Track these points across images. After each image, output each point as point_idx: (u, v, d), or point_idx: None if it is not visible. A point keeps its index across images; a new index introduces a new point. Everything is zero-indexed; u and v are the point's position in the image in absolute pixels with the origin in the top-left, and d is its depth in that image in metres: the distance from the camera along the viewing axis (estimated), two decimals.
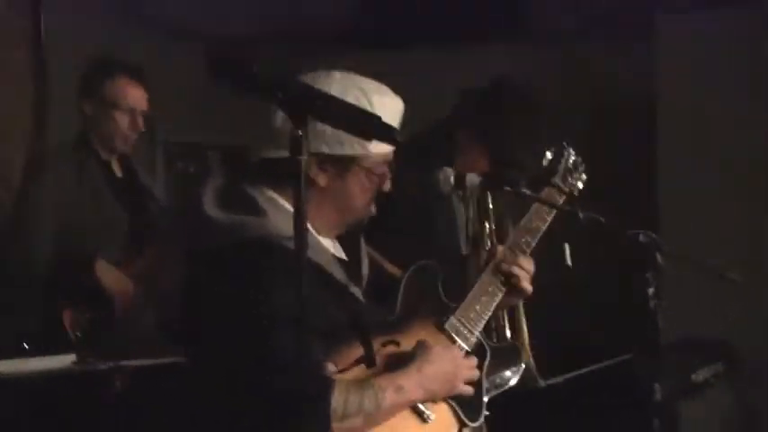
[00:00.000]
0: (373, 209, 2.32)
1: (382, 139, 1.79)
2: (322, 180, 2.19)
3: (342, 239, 2.39)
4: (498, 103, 3.27)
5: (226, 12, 5.37)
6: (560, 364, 3.55)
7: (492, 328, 2.84)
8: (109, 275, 3.60)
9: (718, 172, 5.06)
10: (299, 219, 1.68)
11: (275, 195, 2.21)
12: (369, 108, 2.13)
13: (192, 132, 5.82)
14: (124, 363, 3.22)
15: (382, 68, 2.38)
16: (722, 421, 4.26)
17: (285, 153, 2.11)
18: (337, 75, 2.21)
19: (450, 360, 2.32)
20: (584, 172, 2.95)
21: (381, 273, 2.56)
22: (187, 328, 2.27)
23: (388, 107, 2.21)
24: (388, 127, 1.80)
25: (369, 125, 1.78)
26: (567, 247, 2.63)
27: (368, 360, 2.17)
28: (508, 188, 2.60)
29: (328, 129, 2.11)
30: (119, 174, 3.86)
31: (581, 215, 2.51)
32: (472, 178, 2.61)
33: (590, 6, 5.40)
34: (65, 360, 3.12)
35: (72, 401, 3.35)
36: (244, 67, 1.66)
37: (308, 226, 2.18)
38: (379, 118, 1.80)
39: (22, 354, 3.23)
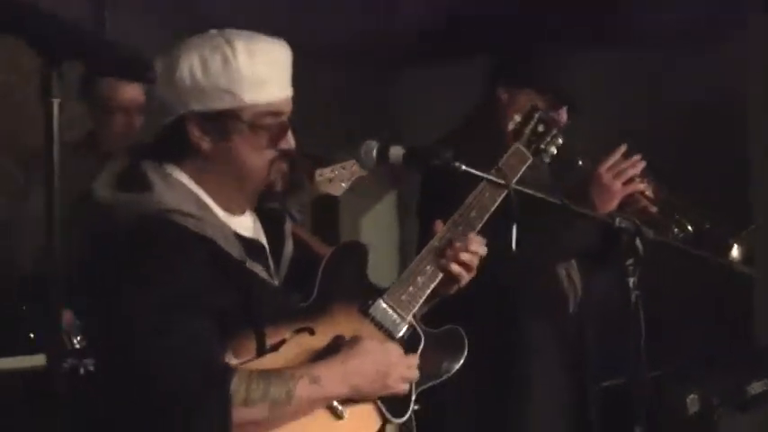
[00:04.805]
0: (282, 169, 2.11)
1: (124, 75, 1.60)
2: (205, 144, 2.04)
3: (264, 218, 2.23)
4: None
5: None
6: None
7: None
8: None
9: None
10: (50, 168, 1.53)
11: (172, 169, 2.07)
12: (230, 56, 1.98)
13: None
14: None
15: None
16: None
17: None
18: (213, 32, 2.05)
19: (383, 356, 2.11)
20: (560, 136, 2.53)
21: (310, 255, 2.29)
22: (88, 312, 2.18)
23: (262, 52, 2.02)
24: (133, 60, 1.59)
25: (114, 59, 1.58)
26: (514, 228, 2.30)
27: (258, 347, 1.99)
28: (437, 162, 2.29)
29: (187, 81, 1.98)
30: None
31: (541, 194, 2.26)
32: (396, 151, 2.28)
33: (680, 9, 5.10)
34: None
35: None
36: None
37: (210, 202, 2.08)
38: (128, 48, 1.62)
39: None
